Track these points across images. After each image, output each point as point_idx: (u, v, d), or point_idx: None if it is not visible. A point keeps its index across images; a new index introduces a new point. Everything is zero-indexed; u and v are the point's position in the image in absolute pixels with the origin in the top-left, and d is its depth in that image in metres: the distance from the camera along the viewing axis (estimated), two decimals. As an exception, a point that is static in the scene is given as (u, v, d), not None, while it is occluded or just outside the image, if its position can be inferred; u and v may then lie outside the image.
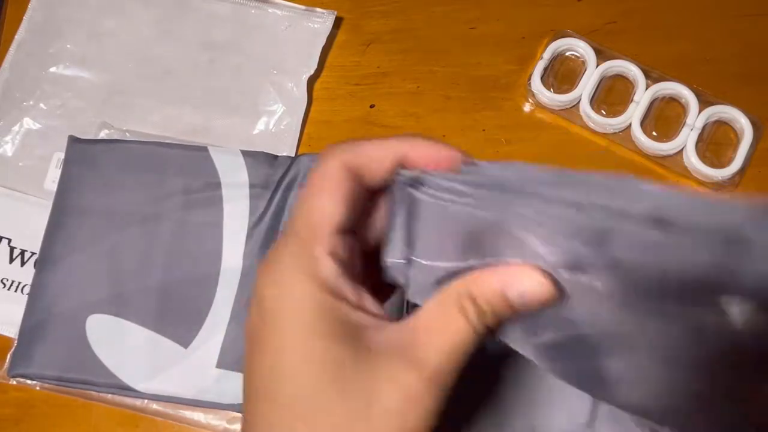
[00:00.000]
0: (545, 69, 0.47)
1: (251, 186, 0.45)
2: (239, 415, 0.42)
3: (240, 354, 0.41)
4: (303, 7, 0.50)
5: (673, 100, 0.47)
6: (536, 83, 0.47)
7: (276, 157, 0.46)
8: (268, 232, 0.44)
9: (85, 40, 0.51)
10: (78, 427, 0.44)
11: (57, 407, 0.45)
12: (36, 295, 0.44)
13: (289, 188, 0.45)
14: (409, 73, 0.49)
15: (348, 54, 0.50)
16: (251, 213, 0.45)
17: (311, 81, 0.49)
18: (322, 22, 0.50)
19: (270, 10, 0.51)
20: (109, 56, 0.51)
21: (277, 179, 0.45)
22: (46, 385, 0.44)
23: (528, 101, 0.48)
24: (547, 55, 0.47)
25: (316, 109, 0.49)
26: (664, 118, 0.46)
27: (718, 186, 0.45)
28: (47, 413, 0.45)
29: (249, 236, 0.44)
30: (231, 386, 0.42)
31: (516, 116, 0.48)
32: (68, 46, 0.51)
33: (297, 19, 0.50)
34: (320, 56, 0.49)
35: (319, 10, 0.50)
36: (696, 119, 0.45)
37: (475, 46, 0.49)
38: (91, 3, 0.52)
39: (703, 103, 0.45)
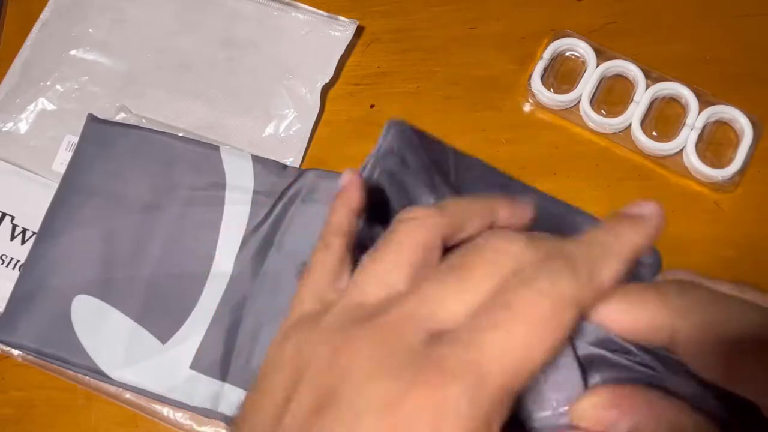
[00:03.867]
0: (545, 69, 0.47)
1: (255, 193, 0.45)
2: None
3: (215, 359, 0.42)
4: (326, 13, 0.50)
5: (673, 100, 0.47)
6: (536, 83, 0.47)
7: (285, 167, 0.46)
8: (264, 241, 0.44)
9: (107, 25, 0.51)
10: (78, 427, 0.44)
11: (57, 407, 0.45)
12: (30, 265, 0.45)
13: (291, 201, 0.45)
14: (409, 73, 0.49)
15: (348, 54, 0.50)
16: (250, 220, 0.44)
17: (325, 89, 0.49)
18: (342, 30, 0.49)
19: (293, 14, 0.50)
20: (129, 44, 0.51)
21: (281, 190, 0.45)
22: (29, 358, 0.44)
23: (528, 101, 0.48)
24: (547, 55, 0.47)
25: (316, 109, 0.49)
26: (664, 118, 0.46)
27: (718, 186, 0.45)
28: (47, 413, 0.45)
29: (244, 242, 0.44)
30: (200, 389, 0.42)
31: (516, 116, 0.48)
32: (90, 30, 0.51)
33: (318, 25, 0.50)
34: (337, 64, 0.48)
35: (342, 18, 0.49)
36: (696, 119, 0.45)
37: (475, 46, 0.49)
38: None
39: (703, 103, 0.45)
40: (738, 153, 0.44)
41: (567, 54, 0.48)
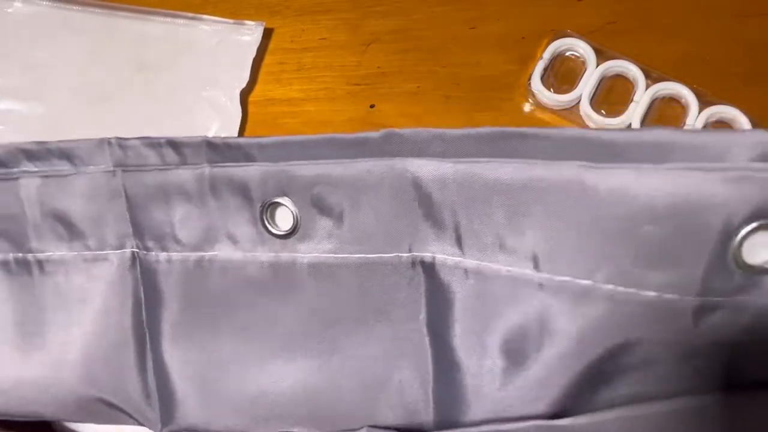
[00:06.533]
0: (545, 69, 0.47)
1: None
2: None
3: None
4: (231, 21, 0.50)
5: (673, 100, 0.47)
6: (536, 83, 0.47)
7: None
8: None
9: (16, 72, 0.50)
10: (78, 427, 0.44)
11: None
12: None
13: None
14: (409, 73, 0.49)
15: (348, 54, 0.50)
16: None
17: (244, 94, 0.49)
18: (251, 33, 0.50)
19: (200, 27, 0.51)
20: (42, 87, 0.50)
21: None
22: None
23: (528, 101, 0.48)
24: (547, 55, 0.47)
25: (316, 110, 0.49)
26: (664, 118, 0.46)
27: (718, 186, 0.45)
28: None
29: None
30: None
31: (516, 116, 0.48)
32: None
33: (227, 33, 0.50)
34: (252, 68, 0.49)
35: (248, 22, 0.50)
36: (696, 119, 0.45)
37: (475, 46, 0.49)
38: (20, 35, 0.51)
39: (703, 103, 0.45)
40: (738, 153, 0.44)
41: (567, 54, 0.48)
